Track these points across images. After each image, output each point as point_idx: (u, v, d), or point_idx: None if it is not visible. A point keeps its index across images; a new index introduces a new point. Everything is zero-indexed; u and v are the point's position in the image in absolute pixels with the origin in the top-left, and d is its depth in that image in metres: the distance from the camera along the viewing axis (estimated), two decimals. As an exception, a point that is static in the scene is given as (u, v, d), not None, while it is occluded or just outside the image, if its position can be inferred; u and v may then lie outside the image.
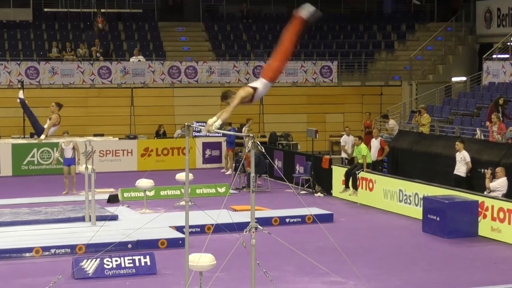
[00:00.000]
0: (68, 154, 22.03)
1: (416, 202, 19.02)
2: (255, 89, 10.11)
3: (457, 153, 19.98)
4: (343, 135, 24.55)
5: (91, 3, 34.72)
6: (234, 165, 25.60)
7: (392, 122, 26.53)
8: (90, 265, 13.68)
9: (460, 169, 19.77)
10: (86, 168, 17.57)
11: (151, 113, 30.17)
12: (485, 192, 17.79)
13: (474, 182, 19.89)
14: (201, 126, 11.80)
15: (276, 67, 10.25)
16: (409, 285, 13.46)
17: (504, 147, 20.42)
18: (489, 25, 32.36)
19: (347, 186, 21.32)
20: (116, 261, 13.89)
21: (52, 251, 15.25)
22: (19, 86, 17.18)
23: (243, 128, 26.85)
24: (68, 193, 21.84)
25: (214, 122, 9.99)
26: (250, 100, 10.31)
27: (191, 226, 13.75)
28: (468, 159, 19.69)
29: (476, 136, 22.18)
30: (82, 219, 17.68)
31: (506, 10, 31.41)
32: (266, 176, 23.59)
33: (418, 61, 33.33)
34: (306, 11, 9.89)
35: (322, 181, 22.64)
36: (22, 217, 17.80)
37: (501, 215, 16.62)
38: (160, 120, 29.80)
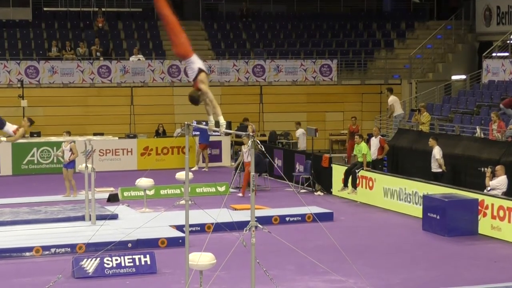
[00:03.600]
0: (67, 156, 21.43)
1: (416, 201, 19.02)
2: (202, 69, 10.25)
3: (433, 150, 20.56)
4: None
5: (91, 2, 34.73)
6: (234, 163, 25.61)
7: (392, 99, 26.30)
8: (90, 264, 13.69)
9: (434, 165, 20.43)
10: (86, 167, 17.57)
11: (151, 112, 30.18)
12: (485, 190, 17.79)
13: (446, 175, 20.40)
14: (203, 126, 11.83)
15: (183, 41, 10.45)
16: (409, 283, 13.46)
17: (504, 145, 20.43)
18: (489, 23, 32.34)
19: (345, 185, 21.33)
20: (116, 260, 13.90)
21: (52, 250, 15.26)
22: None
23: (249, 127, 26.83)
24: (68, 196, 21.56)
25: (222, 124, 10.17)
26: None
27: (191, 225, 13.74)
28: (437, 156, 20.26)
29: (476, 135, 22.18)
30: (82, 218, 17.69)
31: (506, 8, 31.38)
32: (266, 175, 23.58)
33: (418, 59, 33.31)
34: None
35: (322, 180, 22.64)
36: (22, 216, 17.81)
37: (501, 213, 16.62)
38: (160, 119, 29.79)
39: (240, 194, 21.84)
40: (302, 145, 25.71)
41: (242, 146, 22.48)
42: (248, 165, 21.47)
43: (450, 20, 33.95)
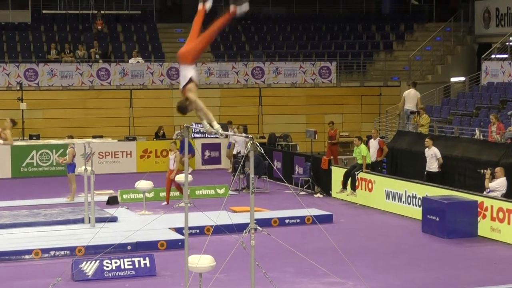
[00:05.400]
0: (69, 159, 21.34)
1: (416, 203, 19.02)
2: (192, 79, 10.34)
3: (427, 150, 20.76)
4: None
5: (90, 5, 34.72)
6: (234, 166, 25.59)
7: (405, 92, 26.15)
8: (89, 267, 13.69)
9: (432, 165, 20.55)
10: (86, 170, 17.57)
11: (150, 114, 30.16)
12: (484, 192, 17.79)
13: (446, 176, 20.48)
14: (200, 128, 11.90)
15: (200, 50, 10.69)
16: (409, 285, 13.46)
17: (503, 147, 20.43)
18: (488, 25, 32.36)
19: (344, 187, 21.33)
20: (116, 262, 13.90)
21: (52, 253, 15.25)
22: None
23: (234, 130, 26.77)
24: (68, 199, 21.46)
25: (217, 128, 10.22)
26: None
27: (190, 228, 13.76)
28: (439, 155, 20.50)
29: (475, 136, 22.18)
30: (81, 221, 17.69)
31: (505, 10, 31.40)
32: (266, 177, 23.56)
33: (417, 61, 33.33)
34: (243, 9, 10.57)
35: (322, 182, 22.63)
36: (21, 219, 17.81)
37: (501, 215, 16.62)
38: (159, 122, 29.78)
39: (165, 203, 20.81)
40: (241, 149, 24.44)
41: (169, 153, 21.31)
42: (172, 172, 20.68)
43: (449, 22, 33.97)
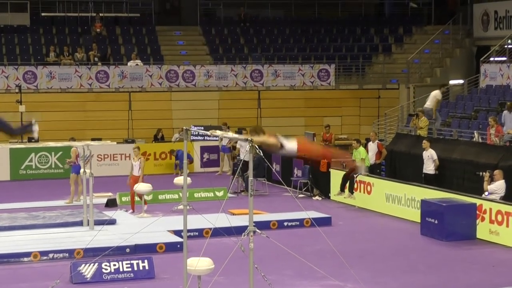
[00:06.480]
0: (73, 158, 21.34)
1: (414, 205, 19.02)
2: (282, 145, 10.20)
3: (424, 152, 20.85)
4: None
5: (89, 7, 34.70)
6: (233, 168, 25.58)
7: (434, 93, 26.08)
8: (88, 270, 13.69)
9: (429, 167, 20.68)
10: (84, 172, 17.58)
11: (149, 117, 30.16)
12: (483, 195, 17.80)
13: (444, 179, 20.57)
14: (200, 130, 11.89)
15: (309, 153, 10.87)
16: (408, 288, 13.48)
17: (502, 150, 20.44)
18: (486, 27, 32.38)
19: (342, 190, 21.30)
20: (114, 265, 13.91)
21: (50, 255, 15.26)
22: None
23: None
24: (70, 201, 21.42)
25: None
26: (270, 150, 10.49)
27: (189, 230, 13.73)
28: (435, 156, 20.62)
29: (474, 139, 22.20)
30: (80, 223, 17.70)
31: (503, 12, 31.42)
32: (264, 180, 23.57)
33: (416, 64, 33.33)
34: (362, 169, 10.81)
35: (320, 185, 22.63)
36: (20, 221, 17.82)
37: (499, 217, 16.63)
38: (158, 124, 29.76)
39: (131, 211, 20.03)
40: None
41: (132, 159, 20.44)
42: (137, 179, 19.83)
43: (448, 25, 33.98)
